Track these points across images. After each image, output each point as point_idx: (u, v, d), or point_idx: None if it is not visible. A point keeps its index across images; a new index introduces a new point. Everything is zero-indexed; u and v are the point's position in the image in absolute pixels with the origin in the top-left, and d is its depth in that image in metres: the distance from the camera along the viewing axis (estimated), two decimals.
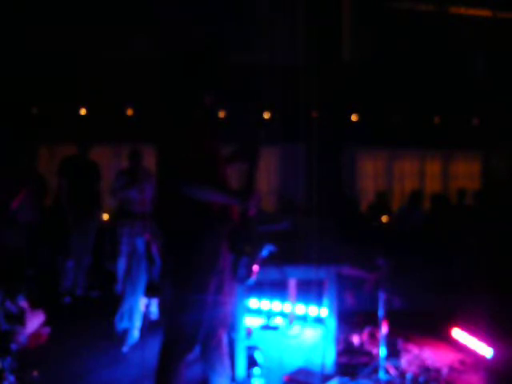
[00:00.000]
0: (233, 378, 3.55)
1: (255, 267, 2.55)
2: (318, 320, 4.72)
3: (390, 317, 3.59)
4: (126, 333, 4.28)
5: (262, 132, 2.84)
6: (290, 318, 4.80)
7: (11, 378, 3.11)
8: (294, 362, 3.92)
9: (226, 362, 2.75)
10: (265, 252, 2.59)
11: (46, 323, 4.10)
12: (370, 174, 9.79)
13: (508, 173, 9.70)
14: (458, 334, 4.31)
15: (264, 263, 3.53)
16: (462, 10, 9.88)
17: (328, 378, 3.55)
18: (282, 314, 4.93)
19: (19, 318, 3.69)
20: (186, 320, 2.51)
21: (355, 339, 4.20)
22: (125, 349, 4.16)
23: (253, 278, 2.57)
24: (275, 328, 4.75)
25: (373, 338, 4.13)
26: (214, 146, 2.66)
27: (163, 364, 2.57)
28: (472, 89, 8.90)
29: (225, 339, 2.76)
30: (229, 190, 2.63)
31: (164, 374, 2.56)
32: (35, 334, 3.96)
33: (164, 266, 3.87)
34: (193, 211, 2.50)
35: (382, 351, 3.53)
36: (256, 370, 3.57)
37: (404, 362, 3.82)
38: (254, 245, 2.56)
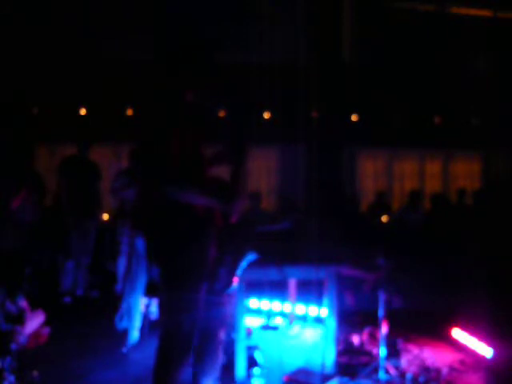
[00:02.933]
0: (233, 378, 3.56)
1: (234, 279, 2.51)
2: (318, 320, 4.72)
3: (390, 317, 3.59)
4: (125, 333, 4.28)
5: (248, 131, 2.77)
6: (290, 318, 4.80)
7: (11, 378, 3.11)
8: (294, 361, 3.91)
9: (218, 364, 2.74)
10: (245, 263, 2.55)
11: (46, 323, 4.10)
12: (370, 174, 9.79)
13: (508, 173, 9.69)
14: (458, 333, 4.31)
15: (264, 263, 3.54)
16: (462, 10, 9.88)
17: (328, 377, 3.55)
18: (282, 314, 4.93)
19: (19, 318, 3.69)
20: (179, 323, 2.48)
21: (355, 339, 4.20)
22: (125, 349, 4.16)
23: (232, 286, 2.54)
24: (275, 328, 4.75)
25: (373, 338, 4.13)
26: (197, 146, 2.62)
27: (160, 369, 2.53)
28: (472, 89, 8.90)
29: (222, 341, 2.75)
30: (211, 193, 2.54)
31: (162, 378, 2.53)
32: (35, 334, 3.96)
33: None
34: (179, 212, 2.46)
35: (382, 351, 3.53)
36: (256, 370, 3.57)
37: (404, 361, 3.82)
38: (235, 253, 2.51)
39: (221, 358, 2.78)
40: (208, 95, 2.70)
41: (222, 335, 2.75)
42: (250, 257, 2.55)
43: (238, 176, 2.58)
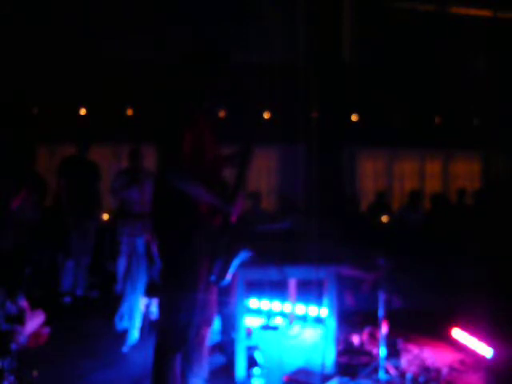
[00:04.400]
0: (233, 378, 3.56)
1: (229, 272, 2.56)
2: (318, 320, 4.72)
3: (390, 317, 3.59)
4: (125, 333, 4.28)
5: (255, 135, 2.83)
6: (290, 318, 4.81)
7: (11, 378, 3.11)
8: (294, 362, 3.92)
9: (205, 362, 2.76)
10: (239, 259, 2.59)
11: (45, 323, 4.10)
12: (369, 174, 9.78)
13: (508, 173, 9.69)
14: (458, 333, 4.31)
15: (264, 263, 3.54)
16: (462, 10, 9.87)
17: (328, 377, 3.55)
18: (282, 314, 4.93)
19: (19, 318, 3.69)
20: (176, 320, 2.53)
21: (355, 339, 4.20)
22: (125, 349, 4.16)
23: (227, 280, 2.58)
24: (275, 328, 4.75)
25: (373, 337, 4.13)
26: (210, 146, 2.66)
27: (157, 363, 2.60)
28: (472, 89, 8.90)
29: (207, 338, 2.77)
30: (216, 192, 2.63)
31: (159, 371, 2.59)
32: (35, 334, 3.96)
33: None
34: (182, 210, 2.52)
35: (382, 351, 3.53)
36: (256, 370, 3.57)
37: (404, 361, 3.82)
38: (230, 250, 2.56)
39: (207, 357, 2.80)
40: (212, 96, 2.73)
41: (208, 334, 2.77)
42: (245, 254, 2.58)
43: (241, 178, 2.65)
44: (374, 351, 3.88)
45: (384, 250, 3.74)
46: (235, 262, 2.57)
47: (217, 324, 4.15)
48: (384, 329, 3.54)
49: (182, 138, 2.49)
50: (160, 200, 2.62)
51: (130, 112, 8.28)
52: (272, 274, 3.66)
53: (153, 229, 2.74)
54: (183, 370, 2.72)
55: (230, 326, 3.95)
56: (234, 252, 2.56)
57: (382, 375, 3.51)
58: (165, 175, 2.54)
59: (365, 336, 4.20)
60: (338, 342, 3.88)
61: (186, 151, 2.48)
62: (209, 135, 2.67)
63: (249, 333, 4.17)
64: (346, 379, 3.57)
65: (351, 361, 3.86)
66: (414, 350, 4.15)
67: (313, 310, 4.81)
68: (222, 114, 8.15)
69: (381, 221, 7.42)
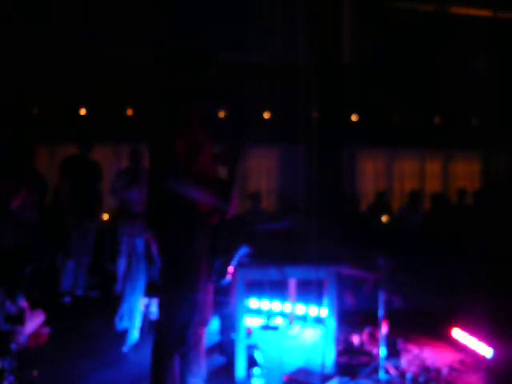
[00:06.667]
0: (233, 378, 3.56)
1: (230, 269, 2.57)
2: (318, 320, 4.72)
3: (390, 317, 3.59)
4: (125, 333, 4.28)
5: (247, 133, 2.83)
6: (290, 318, 4.80)
7: (11, 378, 3.11)
8: (294, 362, 3.92)
9: (202, 362, 2.77)
10: (238, 255, 2.60)
11: (45, 323, 4.10)
12: (370, 174, 9.78)
13: (508, 173, 9.69)
14: (458, 333, 4.31)
15: (264, 263, 3.53)
16: (462, 10, 9.88)
17: (328, 377, 3.55)
18: (282, 314, 4.93)
19: (19, 318, 3.69)
20: (176, 319, 2.55)
21: (355, 339, 4.20)
22: (125, 349, 4.16)
23: (227, 279, 2.60)
24: (275, 328, 4.75)
25: (373, 338, 4.13)
26: (205, 145, 2.67)
27: (156, 363, 2.61)
28: (472, 89, 8.90)
29: (204, 338, 2.78)
30: (213, 191, 2.64)
31: (158, 371, 2.60)
32: (35, 334, 3.96)
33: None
34: (181, 210, 2.53)
35: (382, 351, 3.53)
36: (256, 370, 3.57)
37: (404, 361, 3.82)
38: (228, 249, 2.58)
39: (205, 357, 2.81)
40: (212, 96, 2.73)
41: (204, 333, 2.77)
42: (244, 250, 2.59)
43: (234, 176, 2.66)
44: (374, 351, 3.88)
45: (384, 250, 3.74)
46: (235, 258, 2.58)
47: (217, 324, 4.15)
48: (384, 329, 3.54)
49: (176, 137, 2.49)
50: (159, 200, 2.62)
51: (130, 112, 8.28)
52: (272, 273, 3.66)
53: (152, 229, 2.75)
54: (182, 370, 2.72)
55: (229, 325, 3.95)
56: (233, 250, 2.57)
57: (382, 375, 3.51)
58: (162, 177, 2.53)
59: (365, 336, 4.20)
60: (338, 342, 3.88)
61: (180, 151, 2.49)
62: (204, 134, 2.67)
63: (249, 333, 4.17)
64: (346, 379, 3.57)
65: (351, 361, 3.87)
66: (414, 350, 4.15)
67: (313, 310, 4.81)
68: (221, 114, 8.16)
69: (381, 221, 7.42)
